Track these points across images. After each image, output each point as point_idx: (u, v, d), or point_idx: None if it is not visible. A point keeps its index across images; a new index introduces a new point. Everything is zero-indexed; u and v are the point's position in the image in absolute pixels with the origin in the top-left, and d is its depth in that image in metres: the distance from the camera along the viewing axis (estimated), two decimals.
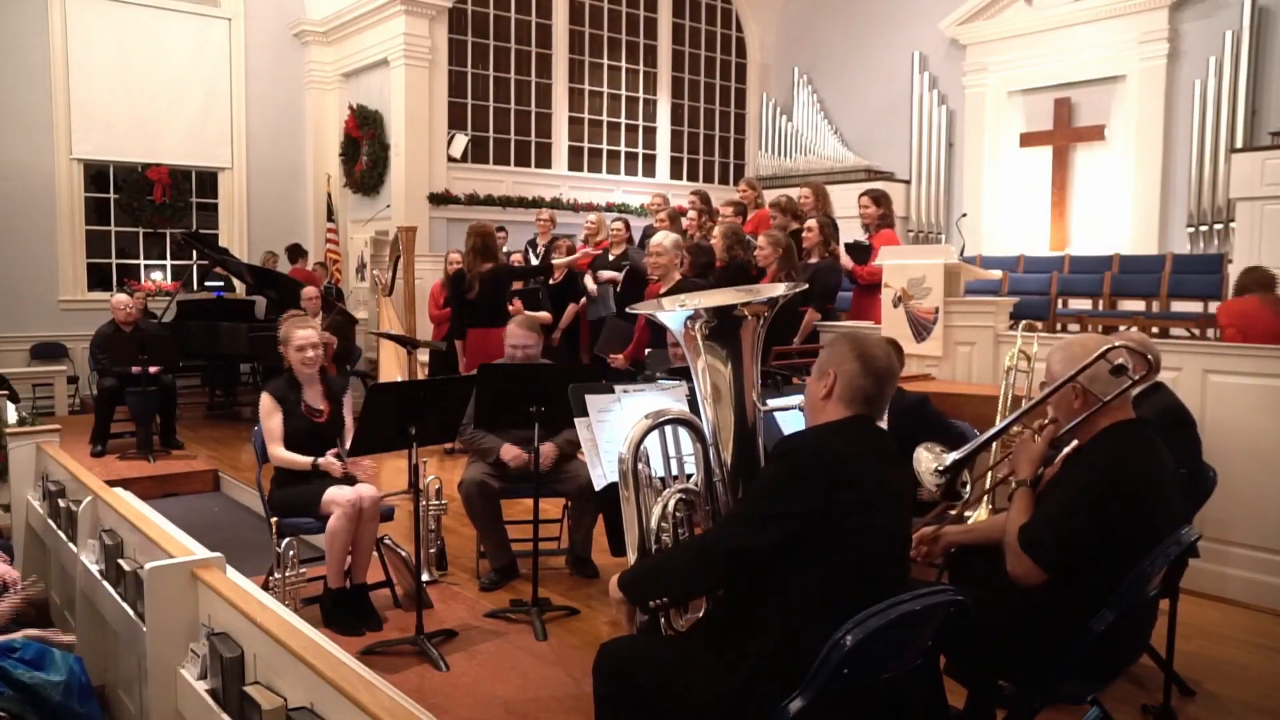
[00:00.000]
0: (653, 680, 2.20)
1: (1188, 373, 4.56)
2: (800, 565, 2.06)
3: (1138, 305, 8.37)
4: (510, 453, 4.52)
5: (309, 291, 8.72)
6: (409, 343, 7.78)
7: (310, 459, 4.19)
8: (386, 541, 4.43)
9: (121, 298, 7.95)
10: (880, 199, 6.99)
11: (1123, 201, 10.30)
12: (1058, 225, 10.82)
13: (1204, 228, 9.48)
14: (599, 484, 2.95)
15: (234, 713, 2.22)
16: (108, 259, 11.12)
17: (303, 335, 4.32)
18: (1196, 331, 7.40)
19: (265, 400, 4.29)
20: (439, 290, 8.09)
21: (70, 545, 3.73)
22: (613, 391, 3.16)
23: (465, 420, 4.32)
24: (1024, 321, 3.60)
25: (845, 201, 8.62)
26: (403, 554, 4.40)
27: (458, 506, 4.76)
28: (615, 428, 3.08)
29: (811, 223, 6.62)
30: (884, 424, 2.39)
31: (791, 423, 3.18)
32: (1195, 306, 8.01)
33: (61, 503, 3.91)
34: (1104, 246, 9.82)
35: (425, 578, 4.34)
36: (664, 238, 6.20)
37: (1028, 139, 11.09)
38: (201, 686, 2.40)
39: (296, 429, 4.27)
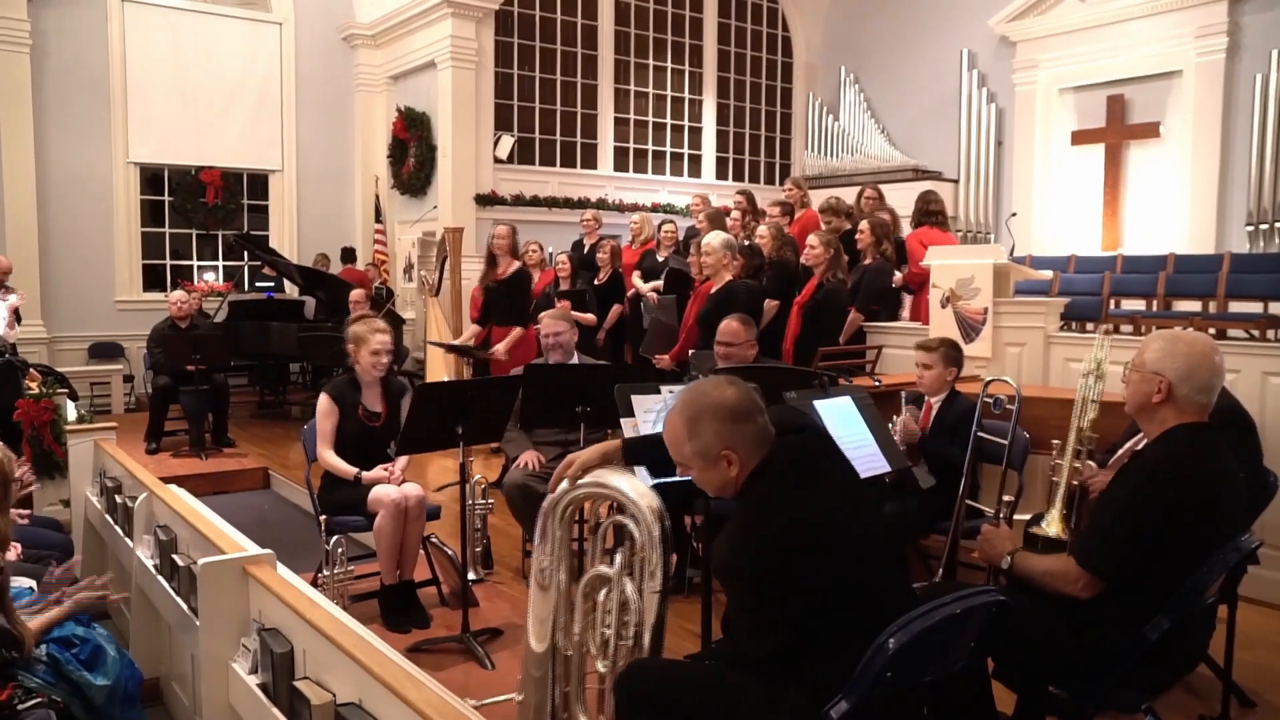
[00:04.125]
0: (687, 705, 2.15)
1: (1246, 375, 4.45)
2: (819, 624, 2.03)
3: (1193, 306, 8.17)
4: (524, 459, 4.54)
5: (356, 295, 8.82)
6: (468, 352, 7.73)
7: (354, 470, 4.20)
8: (433, 540, 4.46)
9: (178, 294, 8.13)
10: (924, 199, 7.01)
11: (1178, 200, 10.07)
12: (1110, 224, 10.61)
13: (1264, 226, 9.24)
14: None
15: (284, 707, 2.25)
16: (162, 260, 11.35)
17: (380, 339, 4.30)
18: (1256, 333, 7.21)
19: (324, 401, 4.29)
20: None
21: (126, 540, 3.81)
22: (659, 391, 3.15)
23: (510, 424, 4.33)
24: (1103, 328, 3.54)
25: (893, 201, 8.52)
26: (449, 552, 4.43)
27: (504, 505, 4.79)
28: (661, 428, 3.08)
29: (864, 224, 6.57)
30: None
31: (834, 416, 3.16)
32: (1255, 307, 7.81)
33: (118, 498, 4.00)
34: (1158, 246, 9.60)
35: (471, 576, 4.37)
36: (714, 237, 6.16)
37: (1079, 137, 10.89)
38: (253, 681, 2.44)
39: (351, 432, 4.28)
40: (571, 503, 2.45)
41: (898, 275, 6.71)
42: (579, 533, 2.73)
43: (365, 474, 4.19)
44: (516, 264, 7.49)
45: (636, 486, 2.33)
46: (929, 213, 6.87)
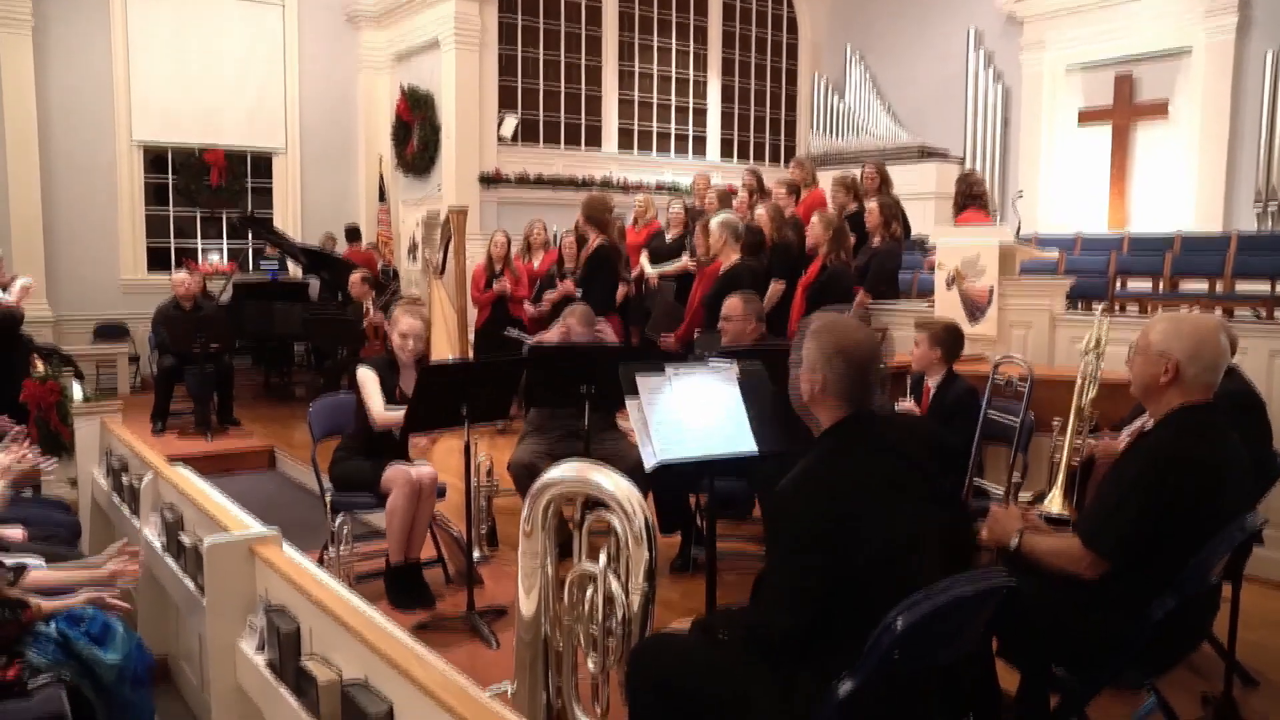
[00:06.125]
0: (698, 690, 2.16)
1: (1253, 354, 4.44)
2: (842, 598, 2.02)
3: (1200, 285, 8.14)
4: None
5: (355, 278, 8.80)
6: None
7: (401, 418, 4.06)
8: (439, 520, 4.47)
9: (181, 275, 8.11)
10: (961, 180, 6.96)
11: (1186, 179, 10.02)
12: (1117, 204, 10.56)
13: (1272, 205, 9.19)
14: (649, 464, 2.95)
15: (291, 685, 2.26)
16: (166, 241, 11.35)
17: (407, 324, 4.34)
18: (1263, 312, 7.19)
19: (364, 371, 4.26)
20: (480, 273, 8.13)
21: (133, 520, 3.82)
22: (663, 372, 3.15)
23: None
24: (1101, 306, 3.56)
25: (899, 180, 8.47)
26: (454, 532, 4.44)
27: (509, 485, 4.80)
28: (666, 408, 3.08)
29: (872, 204, 6.53)
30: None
31: None
32: (1262, 287, 7.77)
33: (125, 478, 4.01)
34: (1165, 225, 9.55)
35: (476, 555, 4.38)
36: (715, 218, 6.17)
37: (1086, 116, 10.83)
38: (260, 659, 2.45)
39: None
40: (553, 500, 2.48)
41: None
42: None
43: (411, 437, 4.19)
44: (600, 239, 7.04)
45: (617, 482, 2.37)
46: (973, 195, 6.79)
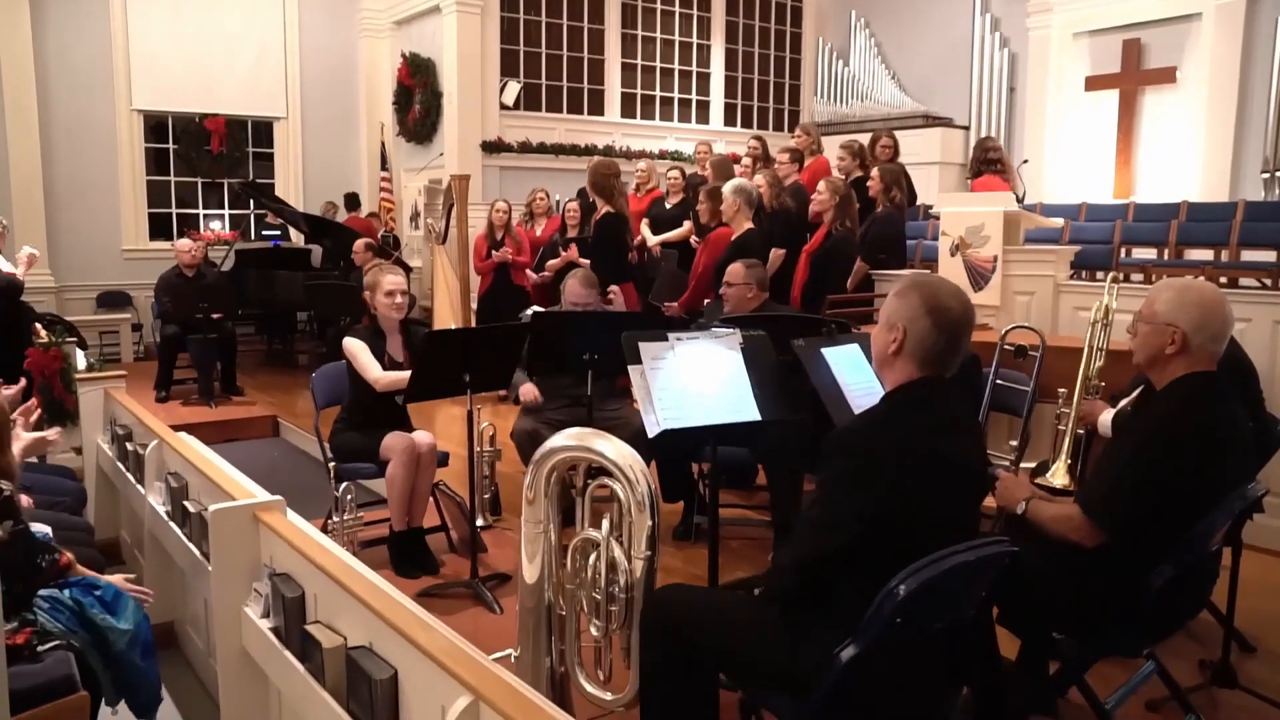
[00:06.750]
0: (709, 643, 2.18)
1: (1257, 323, 4.42)
2: (871, 552, 2.00)
3: (1206, 254, 8.10)
4: (529, 394, 4.57)
5: (358, 245, 8.79)
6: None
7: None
8: (442, 487, 4.49)
9: (184, 242, 8.09)
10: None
11: (1193, 147, 9.94)
12: (1122, 172, 10.49)
13: None
14: (652, 431, 2.95)
15: (296, 650, 2.29)
16: (168, 209, 11.31)
17: (392, 280, 4.30)
18: (1268, 281, 7.16)
19: (352, 342, 4.22)
20: (482, 242, 8.10)
21: (138, 487, 3.84)
22: (666, 339, 3.14)
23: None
24: (1111, 275, 3.55)
25: (903, 147, 8.41)
26: (457, 499, 4.46)
27: (511, 453, 4.81)
28: (669, 375, 3.08)
29: (874, 171, 6.49)
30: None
31: (842, 363, 3.14)
32: (1268, 255, 7.74)
33: (129, 446, 4.03)
34: (1171, 194, 9.50)
35: (479, 523, 4.40)
36: (728, 184, 6.12)
37: (1093, 82, 10.72)
38: (265, 625, 2.47)
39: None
40: (555, 467, 2.49)
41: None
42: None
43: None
44: (606, 208, 6.70)
45: (620, 449, 2.37)
46: (988, 160, 6.74)
